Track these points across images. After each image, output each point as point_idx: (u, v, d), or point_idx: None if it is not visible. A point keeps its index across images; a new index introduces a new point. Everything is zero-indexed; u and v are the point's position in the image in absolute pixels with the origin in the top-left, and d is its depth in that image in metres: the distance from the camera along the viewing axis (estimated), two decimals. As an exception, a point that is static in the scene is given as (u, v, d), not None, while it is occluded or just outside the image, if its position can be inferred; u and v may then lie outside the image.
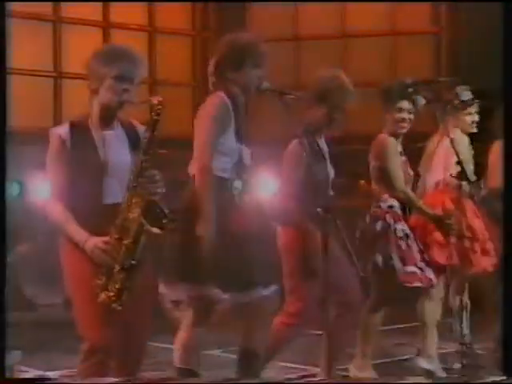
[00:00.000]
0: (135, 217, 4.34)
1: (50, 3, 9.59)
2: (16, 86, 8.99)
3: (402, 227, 6.18)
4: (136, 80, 4.52)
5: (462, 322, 6.94)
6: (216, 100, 5.11)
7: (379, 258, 6.20)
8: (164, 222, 4.35)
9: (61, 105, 9.72)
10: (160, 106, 4.36)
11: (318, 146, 5.79)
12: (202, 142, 5.08)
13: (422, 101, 6.21)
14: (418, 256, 6.21)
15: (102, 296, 4.38)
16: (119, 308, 4.42)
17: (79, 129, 4.58)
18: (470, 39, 10.11)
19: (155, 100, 4.36)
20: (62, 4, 9.74)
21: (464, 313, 6.99)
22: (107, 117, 4.61)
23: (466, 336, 6.88)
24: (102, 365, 4.67)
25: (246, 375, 5.56)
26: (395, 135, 6.23)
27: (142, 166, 4.36)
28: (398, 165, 6.21)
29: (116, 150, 4.61)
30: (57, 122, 9.42)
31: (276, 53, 10.02)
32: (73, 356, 5.08)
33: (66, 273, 4.68)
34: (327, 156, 5.87)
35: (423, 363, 6.37)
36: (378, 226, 6.23)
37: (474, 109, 6.82)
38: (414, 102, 6.14)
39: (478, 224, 6.74)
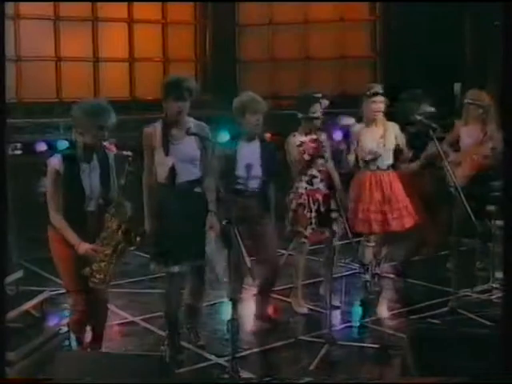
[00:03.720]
0: (114, 234, 5.28)
1: (90, 8, 10.66)
2: (67, 69, 10.67)
3: (300, 201, 6.99)
4: (110, 126, 5.29)
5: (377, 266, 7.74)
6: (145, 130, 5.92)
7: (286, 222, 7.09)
8: (136, 241, 5.33)
9: (98, 80, 10.83)
10: (131, 158, 5.29)
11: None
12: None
13: (326, 103, 7.07)
14: (309, 220, 6.94)
15: (90, 282, 5.32)
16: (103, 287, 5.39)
17: (68, 161, 5.34)
18: (398, 25, 11.06)
19: (127, 153, 5.32)
20: (99, 5, 10.70)
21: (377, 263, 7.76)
22: (88, 153, 5.39)
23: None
24: (81, 321, 5.61)
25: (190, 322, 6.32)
26: (308, 129, 7.02)
27: (118, 201, 5.32)
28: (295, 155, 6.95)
29: (93, 178, 5.41)
30: (96, 92, 10.80)
31: (257, 34, 11.81)
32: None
33: (55, 258, 5.55)
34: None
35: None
36: (288, 202, 7.09)
37: (378, 99, 7.34)
38: (320, 104, 7.01)
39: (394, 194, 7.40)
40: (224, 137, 10.56)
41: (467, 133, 7.86)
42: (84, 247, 5.32)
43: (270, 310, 7.07)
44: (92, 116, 5.31)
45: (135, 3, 11.14)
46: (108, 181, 5.51)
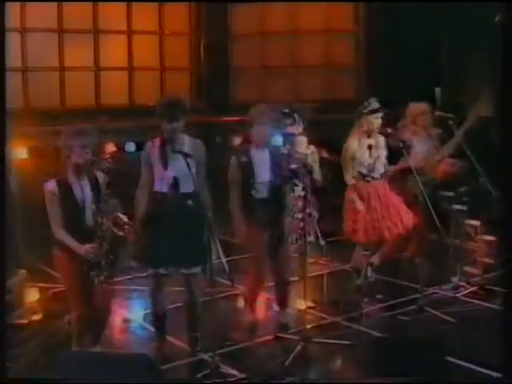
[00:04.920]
0: (107, 228, 5.63)
1: (91, 21, 10.86)
2: (71, 78, 10.89)
3: None
4: (93, 144, 5.68)
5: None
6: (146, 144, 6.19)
7: None
8: (125, 227, 5.67)
9: (100, 88, 11.05)
10: (110, 160, 5.71)
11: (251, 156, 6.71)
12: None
13: (296, 116, 7.45)
14: (300, 227, 7.15)
15: (96, 281, 5.65)
16: (109, 287, 5.74)
17: (62, 184, 5.71)
18: (379, 35, 11.33)
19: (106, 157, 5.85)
20: (100, 20, 10.94)
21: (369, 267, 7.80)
22: (78, 172, 5.74)
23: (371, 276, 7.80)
24: (83, 328, 5.81)
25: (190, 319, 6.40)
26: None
27: (105, 199, 5.64)
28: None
29: (85, 194, 5.74)
30: (98, 98, 11.07)
31: (248, 43, 12.03)
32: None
33: (59, 270, 5.89)
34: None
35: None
36: None
37: (379, 114, 7.45)
38: (295, 120, 7.44)
39: (389, 203, 7.51)
40: (217, 140, 11.03)
41: (418, 140, 8.03)
42: (84, 248, 5.63)
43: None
44: (74, 135, 5.71)
45: (134, 16, 11.34)
46: (98, 193, 5.78)
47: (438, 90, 11.15)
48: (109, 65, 11.26)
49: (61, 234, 5.71)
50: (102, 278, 5.69)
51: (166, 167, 6.08)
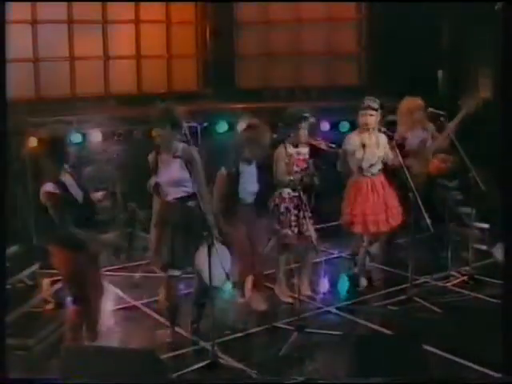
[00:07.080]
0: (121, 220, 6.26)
1: (100, 11, 11.02)
2: (81, 67, 11.09)
3: (284, 205, 7.47)
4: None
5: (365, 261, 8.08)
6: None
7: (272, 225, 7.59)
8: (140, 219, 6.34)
9: (108, 76, 11.26)
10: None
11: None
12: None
13: (312, 119, 7.48)
14: (294, 223, 7.38)
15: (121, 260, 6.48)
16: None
17: (58, 183, 5.83)
18: (382, 23, 11.41)
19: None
20: (109, 10, 11.08)
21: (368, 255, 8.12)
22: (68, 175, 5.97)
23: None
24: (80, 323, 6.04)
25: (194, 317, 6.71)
26: (296, 143, 7.49)
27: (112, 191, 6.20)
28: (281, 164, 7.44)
29: (75, 191, 5.94)
30: (107, 86, 11.26)
31: (253, 31, 12.12)
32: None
33: (60, 266, 6.04)
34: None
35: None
36: (272, 205, 7.58)
37: (370, 112, 7.60)
38: (309, 121, 7.45)
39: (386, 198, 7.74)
40: (223, 127, 11.26)
41: (413, 135, 8.31)
42: (107, 236, 5.99)
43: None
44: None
45: (141, 6, 11.47)
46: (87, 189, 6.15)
47: (440, 72, 11.34)
48: (117, 54, 11.41)
49: (79, 233, 5.79)
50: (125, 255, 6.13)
51: (159, 173, 6.33)
